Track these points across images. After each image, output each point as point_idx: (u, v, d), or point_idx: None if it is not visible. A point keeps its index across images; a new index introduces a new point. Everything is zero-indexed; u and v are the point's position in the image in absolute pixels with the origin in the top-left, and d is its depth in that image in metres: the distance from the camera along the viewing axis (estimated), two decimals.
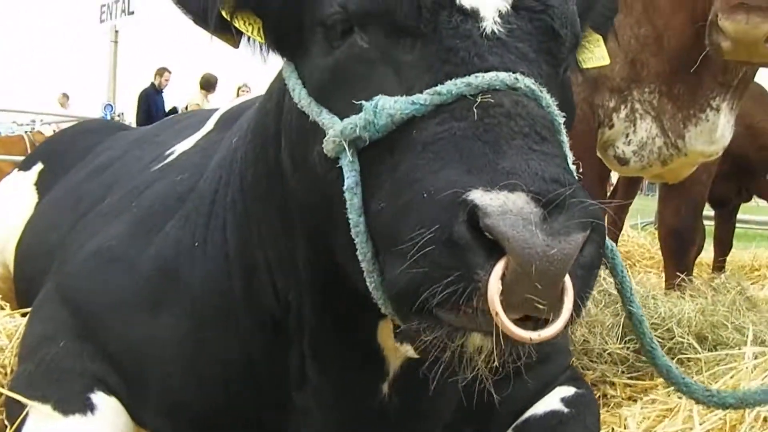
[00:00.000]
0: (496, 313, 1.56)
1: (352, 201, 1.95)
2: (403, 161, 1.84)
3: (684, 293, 5.16)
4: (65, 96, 23.82)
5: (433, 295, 1.63)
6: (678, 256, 5.86)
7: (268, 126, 2.54)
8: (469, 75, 1.82)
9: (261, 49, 2.39)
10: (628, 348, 4.08)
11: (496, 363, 1.70)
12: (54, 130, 17.27)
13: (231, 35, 2.35)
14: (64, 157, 4.97)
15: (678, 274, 5.68)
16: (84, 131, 5.48)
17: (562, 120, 1.93)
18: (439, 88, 1.83)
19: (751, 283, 7.17)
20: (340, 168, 1.98)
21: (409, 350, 1.93)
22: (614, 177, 8.94)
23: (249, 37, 2.36)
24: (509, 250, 1.54)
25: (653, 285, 5.59)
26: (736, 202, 8.32)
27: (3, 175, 12.22)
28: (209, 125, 3.65)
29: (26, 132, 18.38)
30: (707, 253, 8.43)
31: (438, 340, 1.72)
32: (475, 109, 1.77)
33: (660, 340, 4.14)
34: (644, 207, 14.01)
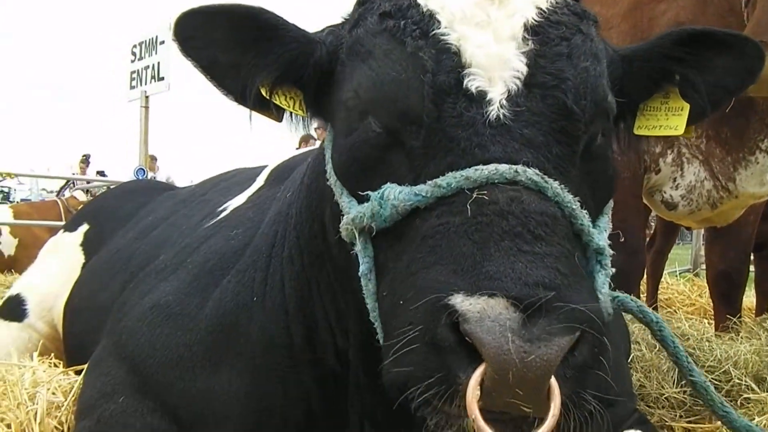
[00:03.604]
0: (474, 419, 1.57)
1: (367, 287, 2.03)
2: (404, 252, 1.88)
3: (737, 335, 5.11)
4: (153, 158, 23.77)
5: (417, 393, 1.65)
6: (727, 298, 5.80)
7: (321, 186, 2.55)
8: (470, 167, 1.83)
9: (303, 123, 2.46)
10: (685, 392, 4.02)
11: None
12: (88, 196, 17.40)
13: (272, 111, 2.40)
14: (111, 218, 5.04)
15: (729, 316, 5.63)
16: (129, 192, 5.55)
17: (575, 205, 1.89)
18: (439, 180, 1.85)
19: None
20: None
21: None
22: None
23: (290, 112, 2.42)
24: (485, 357, 1.55)
25: (705, 329, 5.50)
26: None
27: (38, 240, 12.38)
28: (260, 181, 3.69)
29: (60, 197, 18.54)
30: (747, 298, 8.34)
31: (439, 426, 1.74)
32: (469, 206, 1.78)
33: (717, 382, 4.11)
34: (679, 256, 13.89)
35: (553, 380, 1.57)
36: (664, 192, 5.12)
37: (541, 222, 1.76)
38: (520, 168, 1.82)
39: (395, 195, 1.90)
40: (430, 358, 1.63)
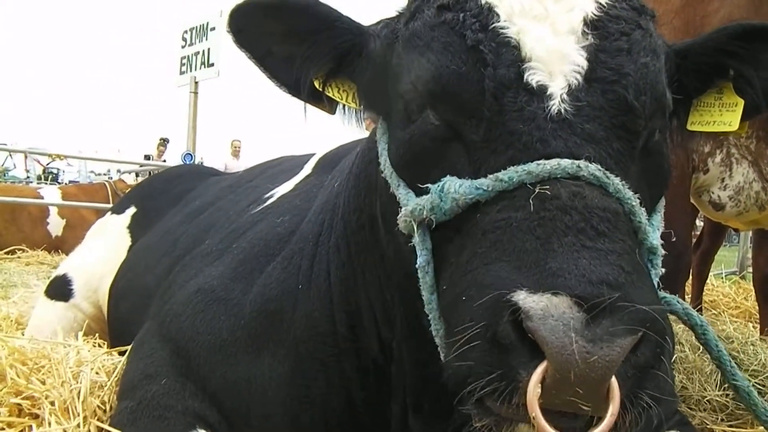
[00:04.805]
0: (534, 416, 1.56)
1: (425, 279, 2.01)
2: (465, 246, 1.86)
3: None
4: (239, 142, 23.75)
5: (477, 389, 1.64)
6: None
7: (371, 175, 2.56)
8: (532, 161, 1.81)
9: (356, 115, 2.46)
10: (727, 395, 3.95)
11: None
12: (136, 179, 17.60)
13: (325, 104, 2.41)
14: (157, 202, 5.09)
15: None
16: (176, 176, 5.58)
17: (635, 202, 1.86)
18: (501, 174, 1.83)
19: None
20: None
21: None
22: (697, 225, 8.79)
23: (344, 105, 2.43)
24: (548, 356, 1.53)
25: (750, 333, 5.42)
26: None
27: (86, 221, 12.56)
28: (307, 169, 3.70)
29: (108, 180, 18.76)
30: None
31: (487, 427, 1.73)
32: (532, 201, 1.76)
33: (761, 387, 4.05)
34: (726, 258, 13.72)
35: (613, 380, 1.55)
36: (712, 192, 5.05)
37: (603, 218, 1.74)
38: (582, 163, 1.80)
39: (456, 188, 1.88)
40: (491, 355, 1.62)
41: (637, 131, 1.99)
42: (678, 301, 2.37)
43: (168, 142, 24.48)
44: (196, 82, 15.58)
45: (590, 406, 1.57)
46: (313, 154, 3.87)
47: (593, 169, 1.80)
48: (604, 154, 1.87)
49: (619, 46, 1.99)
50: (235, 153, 23.21)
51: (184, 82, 15.84)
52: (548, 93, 1.89)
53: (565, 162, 1.79)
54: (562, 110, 1.87)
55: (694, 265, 7.56)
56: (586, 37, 1.96)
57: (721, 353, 2.36)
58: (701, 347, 4.30)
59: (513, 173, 1.81)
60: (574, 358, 1.51)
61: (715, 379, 4.07)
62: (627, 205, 1.84)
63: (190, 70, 15.72)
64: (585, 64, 1.93)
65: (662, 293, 2.26)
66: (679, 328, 4.58)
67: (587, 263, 1.63)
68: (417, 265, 2.02)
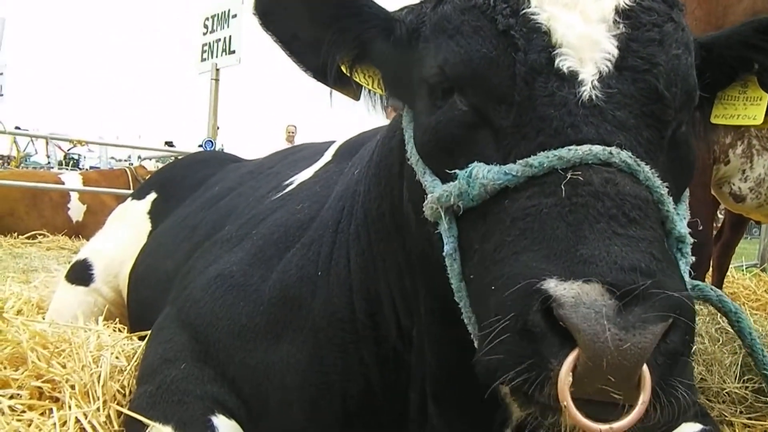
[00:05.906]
0: (565, 405, 1.55)
1: (452, 267, 2.00)
2: (493, 233, 1.84)
3: None
4: (294, 128, 23.66)
5: (507, 380, 1.63)
6: None
7: (392, 164, 2.56)
8: (562, 147, 1.79)
9: (381, 101, 2.45)
10: (746, 387, 3.94)
11: None
12: (156, 165, 17.64)
13: (351, 88, 2.41)
14: (178, 187, 5.11)
15: None
16: (197, 162, 5.61)
17: (664, 191, 1.84)
18: (531, 159, 1.81)
19: None
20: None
21: None
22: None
23: (369, 90, 2.42)
24: (580, 343, 1.52)
25: None
26: None
27: (106, 207, 12.62)
28: (327, 156, 3.70)
29: (129, 166, 18.83)
30: None
31: (532, 416, 1.73)
32: (563, 187, 1.74)
33: None
34: (746, 250, 13.64)
35: (644, 367, 1.53)
36: (733, 184, 5.01)
37: (635, 205, 1.73)
38: (614, 150, 1.78)
39: (484, 174, 1.87)
40: (521, 345, 1.61)
41: (666, 121, 1.97)
42: (712, 288, 2.37)
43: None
44: (218, 70, 15.56)
45: (622, 394, 1.56)
46: (333, 142, 3.87)
47: (624, 156, 1.79)
48: (634, 142, 1.86)
49: (651, 36, 1.97)
50: (290, 138, 23.11)
51: (206, 69, 15.84)
52: (579, 79, 1.88)
53: (597, 148, 1.78)
54: (593, 96, 1.86)
55: (715, 257, 7.52)
56: (617, 25, 1.94)
57: (754, 342, 2.36)
58: (721, 339, 4.32)
59: (543, 158, 1.79)
60: (607, 346, 1.49)
61: (734, 371, 4.06)
62: (656, 194, 1.83)
63: (212, 57, 15.70)
64: (616, 52, 1.91)
65: (694, 281, 2.24)
66: (698, 319, 4.56)
67: (619, 250, 1.61)
68: (444, 253, 2.01)
